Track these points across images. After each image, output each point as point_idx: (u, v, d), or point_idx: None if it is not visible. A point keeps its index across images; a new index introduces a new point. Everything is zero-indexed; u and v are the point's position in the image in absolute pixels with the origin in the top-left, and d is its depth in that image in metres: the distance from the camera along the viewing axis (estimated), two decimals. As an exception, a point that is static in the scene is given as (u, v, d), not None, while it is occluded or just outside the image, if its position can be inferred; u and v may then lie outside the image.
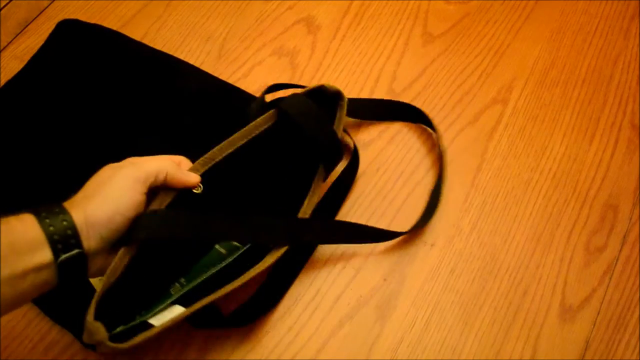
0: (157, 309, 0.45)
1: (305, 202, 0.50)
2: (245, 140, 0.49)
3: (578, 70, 0.64)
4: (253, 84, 0.62)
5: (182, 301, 0.45)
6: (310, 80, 0.63)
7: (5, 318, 0.50)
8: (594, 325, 0.51)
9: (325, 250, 0.54)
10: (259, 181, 0.52)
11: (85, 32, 0.65)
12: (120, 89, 0.61)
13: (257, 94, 0.61)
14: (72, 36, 0.64)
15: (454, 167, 0.58)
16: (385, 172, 0.58)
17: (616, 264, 0.53)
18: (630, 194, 0.57)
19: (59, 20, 0.65)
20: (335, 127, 0.51)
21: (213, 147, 0.48)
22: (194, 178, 0.46)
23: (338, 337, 0.50)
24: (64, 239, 0.37)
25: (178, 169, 0.45)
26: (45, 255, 0.37)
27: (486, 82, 0.63)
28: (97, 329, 0.39)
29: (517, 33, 0.66)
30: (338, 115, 0.52)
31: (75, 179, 0.55)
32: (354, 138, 0.59)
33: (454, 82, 0.63)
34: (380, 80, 0.63)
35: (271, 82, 0.62)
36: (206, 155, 0.47)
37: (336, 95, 0.51)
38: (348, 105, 0.52)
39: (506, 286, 0.52)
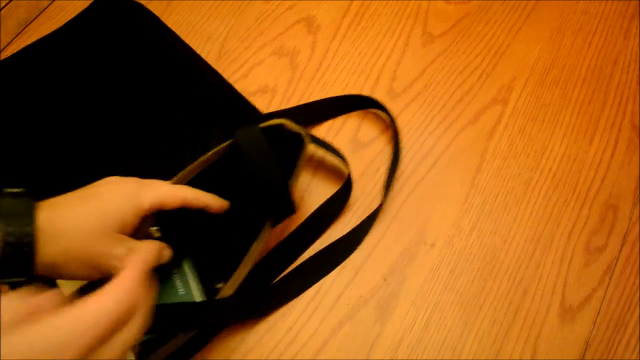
0: None
1: (239, 267, 0.47)
2: (201, 168, 0.46)
3: (578, 70, 0.64)
4: (253, 84, 0.62)
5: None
6: (310, 80, 0.63)
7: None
8: (594, 325, 0.51)
9: (325, 250, 0.54)
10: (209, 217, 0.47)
11: (125, 10, 0.66)
12: (137, 74, 0.62)
13: (258, 94, 0.61)
14: (111, 10, 0.66)
15: (454, 167, 0.58)
16: (386, 172, 0.58)
17: (616, 264, 0.53)
18: (630, 194, 0.57)
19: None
20: (295, 172, 0.47)
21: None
22: (221, 202, 0.44)
23: (338, 337, 0.50)
24: (18, 244, 0.34)
25: (198, 193, 0.43)
26: None
27: (486, 82, 0.63)
28: None
29: (517, 33, 0.66)
30: (300, 159, 0.47)
31: (71, 154, 0.57)
32: (354, 137, 0.59)
33: (454, 82, 0.63)
34: (380, 80, 0.63)
35: (271, 82, 0.62)
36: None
37: (297, 137, 0.46)
38: (298, 113, 0.54)
39: (506, 286, 0.52)
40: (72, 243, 0.37)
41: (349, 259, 0.53)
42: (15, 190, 0.37)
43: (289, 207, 0.48)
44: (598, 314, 0.51)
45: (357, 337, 0.50)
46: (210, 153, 0.46)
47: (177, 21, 0.67)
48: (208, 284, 0.47)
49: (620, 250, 0.54)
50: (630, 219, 0.56)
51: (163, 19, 0.67)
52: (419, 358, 0.49)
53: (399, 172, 0.58)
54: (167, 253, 0.43)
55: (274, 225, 0.49)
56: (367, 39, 0.66)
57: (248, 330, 0.50)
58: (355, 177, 0.57)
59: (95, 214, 0.38)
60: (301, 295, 0.52)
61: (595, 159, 0.59)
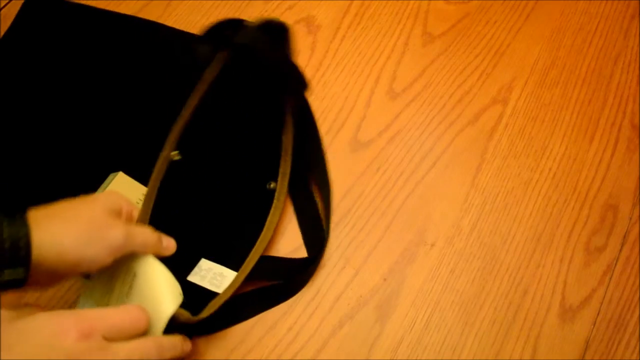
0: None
1: (282, 163, 0.54)
2: (202, 91, 0.47)
3: (578, 70, 0.64)
4: (253, 84, 0.62)
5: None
6: (310, 80, 0.63)
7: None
8: (594, 325, 0.51)
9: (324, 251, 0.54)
10: (231, 132, 0.53)
11: (52, 7, 0.66)
12: (93, 57, 0.63)
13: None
14: (41, 13, 0.66)
15: (454, 167, 0.58)
16: (385, 172, 0.58)
17: (616, 264, 0.53)
18: (630, 194, 0.57)
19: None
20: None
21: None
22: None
23: (338, 337, 0.50)
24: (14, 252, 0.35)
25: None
26: None
27: (486, 82, 0.63)
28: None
29: (517, 33, 0.66)
30: (287, 45, 0.51)
31: (61, 150, 0.58)
32: (354, 137, 0.59)
33: (454, 82, 0.63)
34: (380, 80, 0.63)
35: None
36: (175, 126, 0.47)
37: (282, 28, 0.50)
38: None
39: (506, 286, 0.52)
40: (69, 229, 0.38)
41: (349, 259, 0.53)
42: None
43: (303, 80, 0.50)
44: (598, 314, 0.51)
45: (357, 337, 0.50)
46: (205, 73, 0.47)
47: (177, 21, 0.67)
48: (262, 186, 0.54)
49: (620, 250, 0.54)
50: (630, 219, 0.56)
51: (163, 19, 0.67)
52: (419, 358, 0.49)
53: (398, 172, 0.58)
54: (167, 244, 0.44)
55: (297, 105, 0.53)
56: (367, 39, 0.66)
57: (248, 330, 0.50)
58: (355, 177, 0.57)
59: (85, 210, 0.40)
60: (301, 295, 0.52)
61: (595, 159, 0.59)
